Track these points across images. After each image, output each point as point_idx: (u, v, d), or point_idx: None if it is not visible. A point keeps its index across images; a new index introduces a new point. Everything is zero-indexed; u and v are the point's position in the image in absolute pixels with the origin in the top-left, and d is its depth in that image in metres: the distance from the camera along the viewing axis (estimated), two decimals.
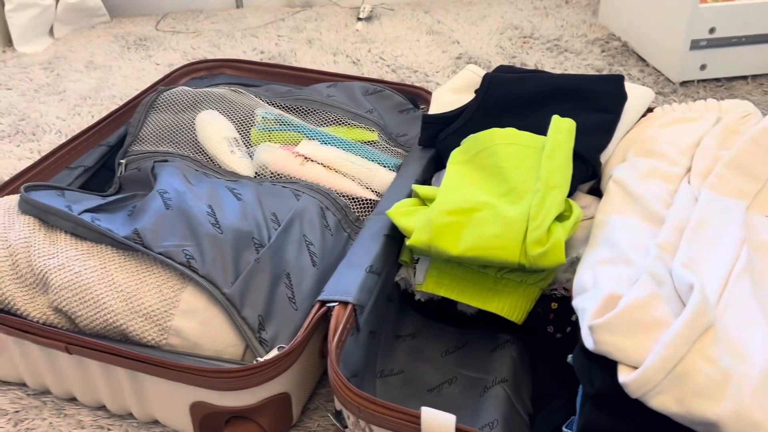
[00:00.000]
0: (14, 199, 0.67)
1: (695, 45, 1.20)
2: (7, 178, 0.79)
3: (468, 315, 0.71)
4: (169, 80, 0.99)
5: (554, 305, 0.66)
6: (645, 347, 0.47)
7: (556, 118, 0.71)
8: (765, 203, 0.66)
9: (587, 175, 0.72)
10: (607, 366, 0.49)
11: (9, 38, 1.37)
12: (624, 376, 0.47)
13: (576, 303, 0.55)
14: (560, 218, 0.64)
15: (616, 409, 0.49)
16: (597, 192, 0.73)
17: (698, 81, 1.24)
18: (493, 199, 0.67)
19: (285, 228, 0.65)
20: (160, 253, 0.60)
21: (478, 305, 0.66)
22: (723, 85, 1.24)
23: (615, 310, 0.49)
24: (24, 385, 0.66)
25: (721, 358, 0.46)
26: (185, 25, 1.50)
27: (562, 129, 0.70)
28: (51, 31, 1.42)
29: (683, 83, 1.24)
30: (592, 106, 0.76)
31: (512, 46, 1.38)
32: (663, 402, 0.46)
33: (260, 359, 0.57)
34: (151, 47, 1.39)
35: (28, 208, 0.64)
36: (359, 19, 1.51)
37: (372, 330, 0.65)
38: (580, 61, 1.32)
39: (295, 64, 1.32)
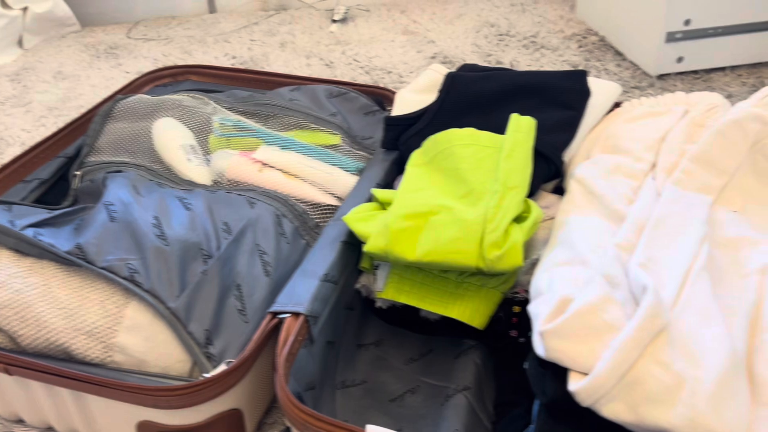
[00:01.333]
0: None
1: (671, 37, 1.18)
2: None
3: (432, 321, 0.69)
4: (132, 88, 0.97)
5: (516, 309, 0.64)
6: (596, 353, 0.45)
7: (515, 117, 0.69)
8: (731, 198, 0.64)
9: (550, 173, 0.70)
10: (558, 373, 0.47)
11: None
12: (574, 383, 0.45)
13: (530, 307, 0.53)
14: (519, 219, 0.62)
15: (570, 418, 0.47)
16: (561, 191, 0.71)
17: (676, 74, 1.23)
18: (451, 202, 0.65)
19: (236, 237, 0.63)
20: (103, 268, 0.58)
21: (440, 311, 0.64)
22: (701, 77, 1.22)
23: (565, 314, 0.47)
24: None
25: (674, 362, 0.44)
26: (157, 32, 1.48)
27: (522, 127, 0.68)
28: (20, 42, 1.40)
29: (660, 76, 1.22)
30: (554, 103, 0.74)
31: (488, 44, 1.36)
32: (615, 410, 0.44)
33: (206, 375, 0.55)
34: (122, 55, 1.37)
35: None
36: (333, 21, 1.49)
37: (329, 340, 0.63)
38: (557, 57, 1.30)
39: (267, 69, 1.30)
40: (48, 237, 0.60)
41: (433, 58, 1.32)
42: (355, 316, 0.70)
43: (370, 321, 0.72)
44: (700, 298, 0.49)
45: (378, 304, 0.69)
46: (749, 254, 0.57)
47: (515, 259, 0.58)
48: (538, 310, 0.51)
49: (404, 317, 0.70)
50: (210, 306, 0.58)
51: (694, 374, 0.44)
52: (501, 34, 1.40)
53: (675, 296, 0.50)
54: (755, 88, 1.17)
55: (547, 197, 0.70)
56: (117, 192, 0.65)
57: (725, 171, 0.65)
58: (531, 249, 0.64)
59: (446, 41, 1.38)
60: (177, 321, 0.56)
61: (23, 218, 0.63)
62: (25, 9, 1.38)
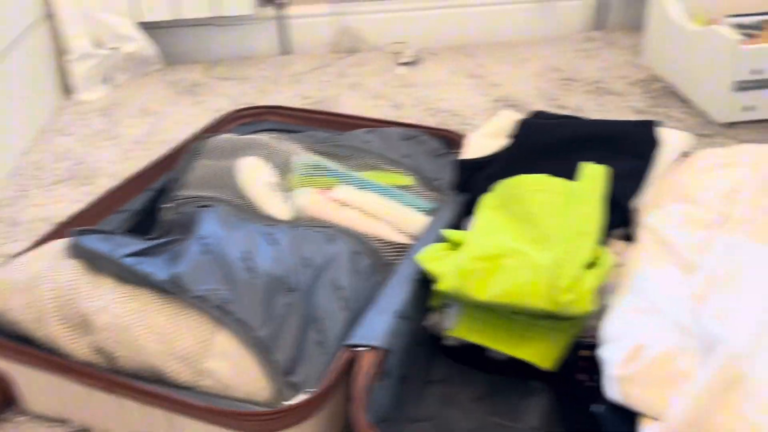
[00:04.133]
0: (63, 242, 0.70)
1: (739, 86, 1.18)
2: (62, 220, 0.84)
3: (498, 361, 0.71)
4: (217, 126, 1.03)
5: (585, 353, 0.65)
6: (668, 400, 0.47)
7: (587, 165, 0.71)
8: None
9: (619, 221, 0.72)
10: (629, 417, 0.48)
11: (68, 87, 1.46)
12: (647, 429, 0.46)
13: (602, 353, 0.55)
14: (591, 265, 0.64)
15: None
16: (629, 238, 0.72)
17: (744, 122, 1.22)
18: (522, 246, 0.67)
19: (317, 273, 0.67)
20: (196, 297, 0.62)
21: (509, 351, 0.66)
22: None
23: (639, 360, 0.49)
24: (66, 422, 0.69)
25: (750, 413, 0.45)
26: (235, 71, 1.56)
27: (593, 175, 0.70)
28: (110, 79, 1.50)
29: (728, 125, 1.22)
30: (624, 152, 0.76)
31: (553, 88, 1.39)
32: None
33: (289, 403, 0.58)
34: (202, 93, 1.45)
35: (75, 252, 0.68)
36: (402, 63, 1.54)
37: (402, 375, 0.66)
38: (622, 102, 1.32)
39: (337, 109, 1.36)
40: (146, 266, 0.65)
41: (497, 101, 1.35)
42: (424, 352, 0.72)
43: (437, 359, 0.74)
44: None
45: (448, 342, 0.71)
46: None
47: (587, 304, 0.60)
48: (610, 356, 0.53)
49: (471, 356, 0.72)
50: (293, 337, 0.61)
51: None
52: (565, 79, 1.43)
53: (749, 347, 0.51)
54: None
55: (617, 244, 0.71)
56: (208, 226, 0.70)
57: None
58: (601, 295, 0.66)
59: (511, 85, 1.42)
60: (263, 349, 0.60)
61: (123, 247, 0.68)
62: (115, 49, 1.48)
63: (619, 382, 0.48)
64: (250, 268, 0.64)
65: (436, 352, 0.74)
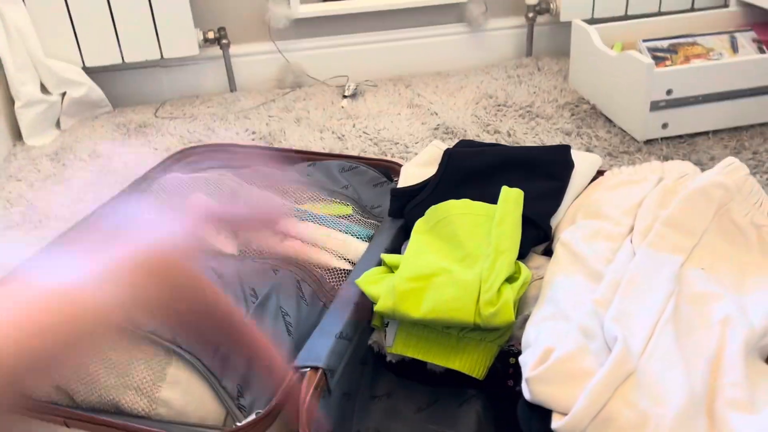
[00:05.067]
0: None
1: (655, 106, 1.28)
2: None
3: (437, 373, 0.76)
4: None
5: (512, 360, 0.72)
6: (574, 395, 0.53)
7: (504, 189, 0.78)
8: (701, 257, 0.72)
9: (539, 238, 0.79)
10: (544, 414, 0.54)
11: (19, 133, 1.48)
12: (556, 422, 0.52)
13: (521, 358, 0.61)
14: (510, 280, 0.70)
15: None
16: (550, 253, 0.79)
17: (661, 139, 1.32)
18: (450, 265, 0.73)
19: (262, 301, 0.72)
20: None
21: (443, 364, 0.71)
22: (685, 141, 1.31)
23: (547, 362, 0.55)
24: None
25: (640, 402, 0.52)
26: (182, 110, 1.61)
27: (510, 198, 0.77)
28: (57, 124, 1.53)
29: (647, 142, 1.32)
30: (541, 175, 0.83)
31: (486, 115, 1.47)
32: None
33: (238, 424, 0.62)
34: (150, 133, 1.49)
35: None
36: (344, 96, 1.61)
37: (345, 392, 0.71)
38: (551, 126, 1.40)
39: (284, 142, 1.41)
40: None
41: (436, 129, 1.43)
42: (369, 369, 0.77)
43: (382, 374, 0.79)
44: (665, 346, 0.57)
45: (388, 358, 0.76)
46: (713, 307, 0.65)
47: (507, 315, 0.66)
48: (525, 360, 0.59)
49: (413, 370, 0.78)
50: (241, 363, 0.66)
51: (657, 411, 0.51)
52: (499, 105, 1.51)
53: (643, 345, 0.58)
54: (736, 151, 1.26)
55: (537, 259, 0.78)
56: None
57: (694, 233, 0.73)
58: (524, 306, 0.72)
59: (448, 113, 1.50)
60: (213, 377, 0.65)
61: None
62: (63, 94, 1.51)
63: (531, 382, 0.54)
64: None
65: (381, 369, 0.79)
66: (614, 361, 0.53)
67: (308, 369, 0.65)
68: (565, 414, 0.53)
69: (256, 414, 0.63)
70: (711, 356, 0.58)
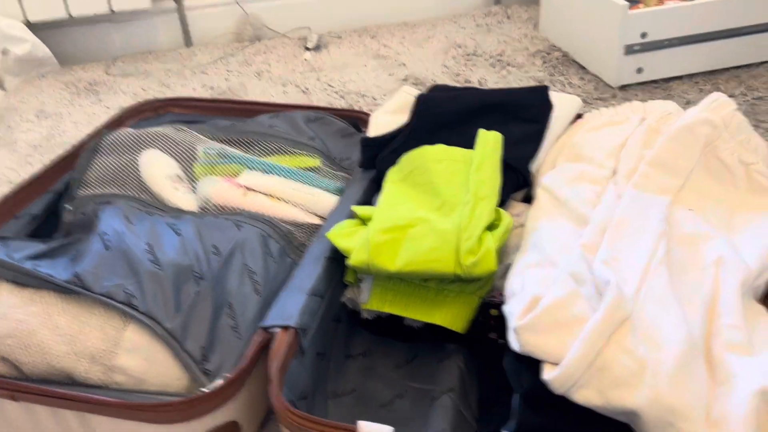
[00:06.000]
0: None
1: (629, 50, 1.24)
2: None
3: (415, 328, 0.72)
4: (115, 123, 1.00)
5: (494, 312, 0.68)
6: (566, 344, 0.49)
7: (482, 132, 0.73)
8: (688, 197, 0.69)
9: (519, 183, 0.75)
10: (533, 366, 0.51)
11: None
12: (548, 373, 0.49)
13: (506, 308, 0.57)
14: (491, 227, 0.66)
15: (546, 406, 0.50)
16: (530, 199, 0.75)
17: (636, 84, 1.29)
18: (427, 214, 0.69)
19: (226, 259, 0.67)
20: (101, 294, 0.61)
21: (422, 318, 0.68)
22: (660, 86, 1.28)
23: (536, 310, 0.51)
24: None
25: (636, 348, 0.48)
26: (135, 67, 1.52)
27: (489, 142, 0.72)
28: (1, 84, 1.43)
29: (622, 87, 1.28)
30: (519, 118, 0.78)
31: (456, 65, 1.42)
32: (586, 395, 0.48)
33: (204, 390, 0.58)
34: (102, 92, 1.41)
35: None
36: (307, 48, 1.54)
37: (319, 352, 0.67)
38: (522, 74, 1.36)
39: (244, 98, 1.34)
40: (46, 268, 0.63)
41: (404, 80, 1.37)
42: (343, 328, 0.73)
43: (358, 332, 0.75)
44: (659, 289, 0.54)
45: (364, 315, 0.72)
46: (705, 248, 0.62)
47: (489, 264, 0.62)
48: (511, 309, 0.55)
49: (389, 327, 0.74)
50: (204, 324, 0.61)
51: (655, 357, 0.48)
52: (468, 54, 1.46)
53: (636, 289, 0.54)
54: None
55: (518, 206, 0.74)
56: (110, 222, 0.68)
57: (680, 173, 0.69)
58: (504, 255, 0.68)
59: (416, 63, 1.44)
60: (174, 340, 0.60)
61: (20, 251, 0.66)
62: (5, 51, 1.41)
63: (519, 332, 0.50)
64: (155, 261, 0.63)
65: (356, 326, 0.75)
66: (608, 305, 0.49)
67: (279, 329, 0.61)
68: (556, 364, 0.49)
69: (223, 378, 0.59)
70: (707, 298, 0.55)
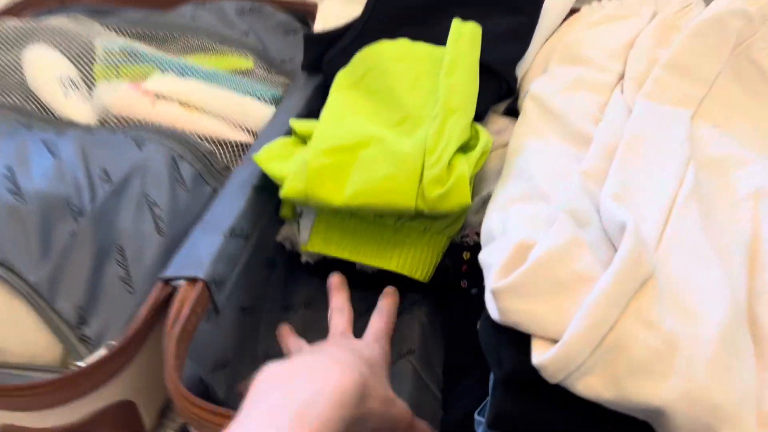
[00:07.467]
0: None
1: None
2: None
3: (369, 274, 0.58)
4: (6, 14, 0.81)
5: (466, 255, 0.54)
6: (564, 314, 0.35)
7: (456, 23, 0.57)
8: (712, 110, 0.54)
9: (501, 92, 0.60)
10: (518, 340, 0.37)
11: None
12: (539, 354, 0.35)
13: (481, 257, 0.43)
14: (465, 148, 0.51)
15: (533, 395, 0.37)
16: (515, 112, 0.60)
17: None
18: (383, 131, 0.53)
19: (118, 187, 0.51)
20: None
21: (376, 264, 0.54)
22: None
23: (524, 265, 0.37)
24: None
25: (664, 320, 0.35)
26: None
27: (464, 36, 0.56)
28: None
29: None
30: (503, 8, 0.62)
31: None
32: (592, 385, 0.34)
33: (81, 363, 0.43)
34: None
35: None
36: None
37: (244, 306, 0.53)
38: None
39: None
40: None
41: None
42: (279, 274, 0.59)
43: (299, 279, 0.61)
44: (691, 234, 0.40)
45: (304, 258, 0.58)
46: (738, 177, 0.48)
47: (462, 196, 0.47)
48: (490, 260, 0.41)
49: (339, 271, 0.59)
50: (82, 276, 0.46)
51: (691, 333, 0.34)
52: None
53: (659, 234, 0.40)
54: None
55: (499, 121, 0.59)
56: None
57: (705, 79, 0.55)
58: (482, 183, 0.54)
59: None
60: (39, 297, 0.44)
61: None
62: None
63: (499, 295, 0.36)
64: (16, 190, 0.47)
65: (296, 272, 0.61)
66: (624, 259, 0.35)
67: (183, 281, 0.46)
68: (552, 341, 0.35)
69: (107, 347, 0.44)
70: (745, 245, 0.42)
